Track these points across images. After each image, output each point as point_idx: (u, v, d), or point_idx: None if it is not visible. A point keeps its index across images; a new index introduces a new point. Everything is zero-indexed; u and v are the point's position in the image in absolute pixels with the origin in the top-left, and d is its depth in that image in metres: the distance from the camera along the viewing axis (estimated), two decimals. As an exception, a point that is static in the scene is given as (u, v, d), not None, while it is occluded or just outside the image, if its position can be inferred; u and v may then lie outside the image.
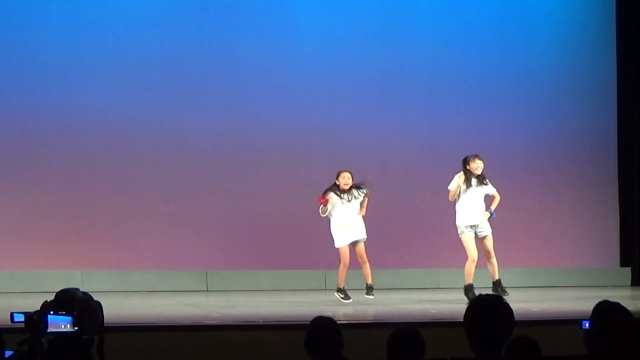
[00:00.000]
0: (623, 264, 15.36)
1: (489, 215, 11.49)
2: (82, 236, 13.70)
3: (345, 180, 11.39)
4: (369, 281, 11.47)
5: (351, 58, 14.56)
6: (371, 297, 11.38)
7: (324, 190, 11.45)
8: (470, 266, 11.38)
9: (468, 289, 11.29)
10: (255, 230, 14.14)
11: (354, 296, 11.56)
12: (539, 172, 15.06)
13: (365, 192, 11.51)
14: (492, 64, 14.99)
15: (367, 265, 11.45)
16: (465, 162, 11.54)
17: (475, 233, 11.42)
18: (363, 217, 11.53)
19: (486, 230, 11.46)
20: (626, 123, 15.40)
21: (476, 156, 11.57)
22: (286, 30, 14.50)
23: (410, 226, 14.33)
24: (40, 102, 13.67)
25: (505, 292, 11.15)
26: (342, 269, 11.45)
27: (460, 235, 11.46)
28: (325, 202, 11.36)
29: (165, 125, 14.04)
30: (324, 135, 14.43)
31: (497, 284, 11.46)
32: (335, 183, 11.47)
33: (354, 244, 11.45)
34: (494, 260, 11.44)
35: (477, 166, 11.50)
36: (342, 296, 11.43)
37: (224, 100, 14.24)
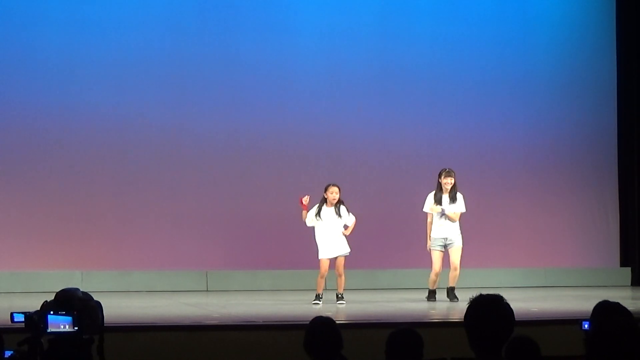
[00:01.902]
0: (623, 264, 15.36)
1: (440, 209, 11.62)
2: (82, 236, 13.70)
3: (334, 195, 11.40)
4: (340, 291, 11.46)
5: (351, 57, 14.57)
6: (342, 303, 11.28)
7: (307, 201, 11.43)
8: (432, 277, 11.80)
9: (429, 294, 11.77)
10: (255, 230, 14.14)
11: (349, 296, 11.62)
12: (538, 172, 15.06)
13: (353, 221, 11.48)
14: (492, 63, 14.99)
15: (343, 278, 11.45)
16: (439, 175, 11.66)
17: (446, 245, 11.77)
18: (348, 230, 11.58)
19: (456, 243, 11.74)
20: (626, 123, 15.40)
21: (448, 172, 11.67)
22: (286, 29, 14.49)
23: (410, 226, 14.29)
24: (40, 102, 13.67)
25: (456, 298, 11.51)
26: (319, 280, 11.45)
27: (429, 248, 11.80)
28: (303, 207, 11.41)
29: (165, 126, 14.04)
30: (324, 135, 14.43)
31: (450, 290, 11.75)
32: (323, 197, 11.49)
33: (335, 257, 11.47)
34: (457, 273, 11.77)
35: (445, 182, 11.63)
36: (315, 301, 11.30)
37: (224, 100, 14.24)
